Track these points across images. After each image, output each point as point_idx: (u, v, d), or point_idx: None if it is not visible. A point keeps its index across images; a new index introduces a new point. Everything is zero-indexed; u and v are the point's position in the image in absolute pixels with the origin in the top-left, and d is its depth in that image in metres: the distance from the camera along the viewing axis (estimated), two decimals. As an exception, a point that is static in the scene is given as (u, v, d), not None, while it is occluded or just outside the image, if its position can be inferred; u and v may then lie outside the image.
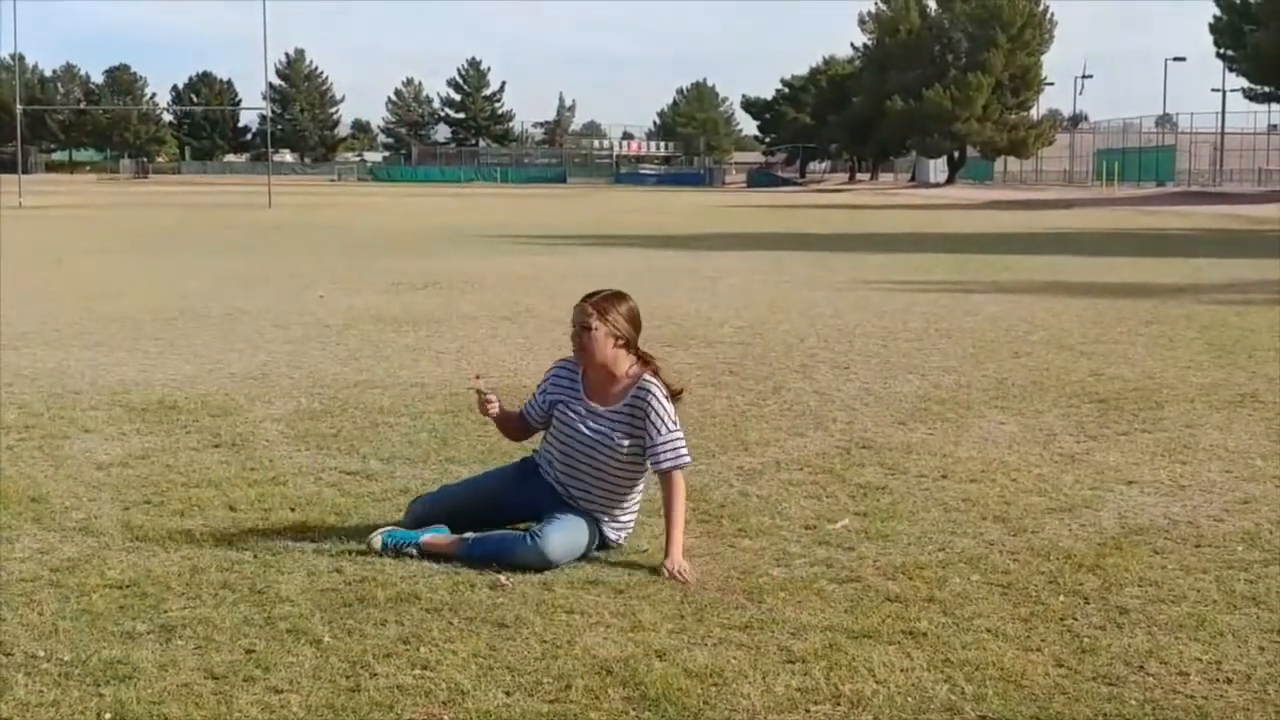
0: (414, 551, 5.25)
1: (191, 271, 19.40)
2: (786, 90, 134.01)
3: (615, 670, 4.16)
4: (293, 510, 6.05)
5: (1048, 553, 5.45)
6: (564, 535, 5.29)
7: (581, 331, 5.47)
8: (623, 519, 5.59)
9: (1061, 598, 4.90)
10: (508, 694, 4.01)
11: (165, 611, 4.69)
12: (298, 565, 5.21)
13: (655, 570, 5.21)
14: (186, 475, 6.72)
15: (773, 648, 4.38)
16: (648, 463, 5.48)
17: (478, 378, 5.73)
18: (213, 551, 5.39)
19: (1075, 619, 4.68)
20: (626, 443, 5.44)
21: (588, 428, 5.50)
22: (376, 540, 5.30)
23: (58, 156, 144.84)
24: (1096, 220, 40.80)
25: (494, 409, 5.64)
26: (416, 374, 9.97)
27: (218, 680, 4.09)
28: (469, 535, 5.35)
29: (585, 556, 5.35)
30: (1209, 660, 4.30)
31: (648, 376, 5.51)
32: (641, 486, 5.63)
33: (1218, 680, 4.15)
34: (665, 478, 5.39)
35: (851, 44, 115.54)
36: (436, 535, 5.34)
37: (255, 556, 5.32)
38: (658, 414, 5.42)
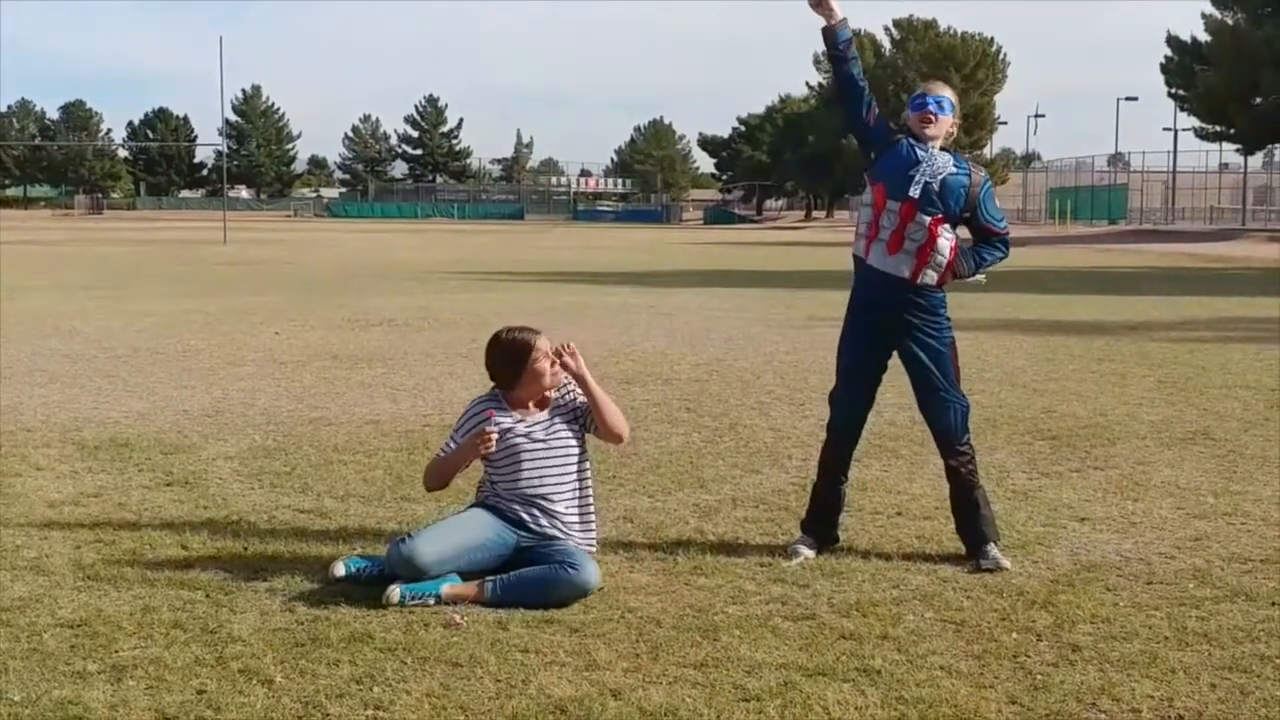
0: (432, 602, 5.18)
1: (145, 308, 19.29)
2: (743, 128, 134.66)
3: (570, 710, 4.15)
4: (245, 549, 6.01)
5: (1001, 590, 5.48)
6: (593, 562, 5.43)
7: (554, 363, 5.72)
8: (591, 523, 5.77)
9: (1014, 635, 4.92)
10: (462, 734, 3.99)
11: (116, 651, 4.65)
12: (250, 605, 5.18)
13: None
14: (139, 514, 6.68)
15: (728, 686, 4.38)
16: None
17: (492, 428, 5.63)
18: (165, 591, 5.35)
19: (1028, 656, 4.70)
20: (579, 430, 5.78)
21: (545, 437, 5.66)
22: (395, 595, 5.17)
23: (12, 192, 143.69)
24: (1049, 258, 41.14)
25: (488, 448, 5.59)
26: (371, 411, 9.94)
27: (169, 721, 4.06)
28: (489, 580, 5.29)
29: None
30: (1161, 697, 4.32)
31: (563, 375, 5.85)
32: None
33: (1169, 717, 4.17)
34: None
35: (807, 83, 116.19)
36: (455, 585, 5.28)
37: (208, 596, 5.29)
38: (574, 397, 5.87)
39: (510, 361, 5.71)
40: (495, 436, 5.54)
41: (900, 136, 6.02)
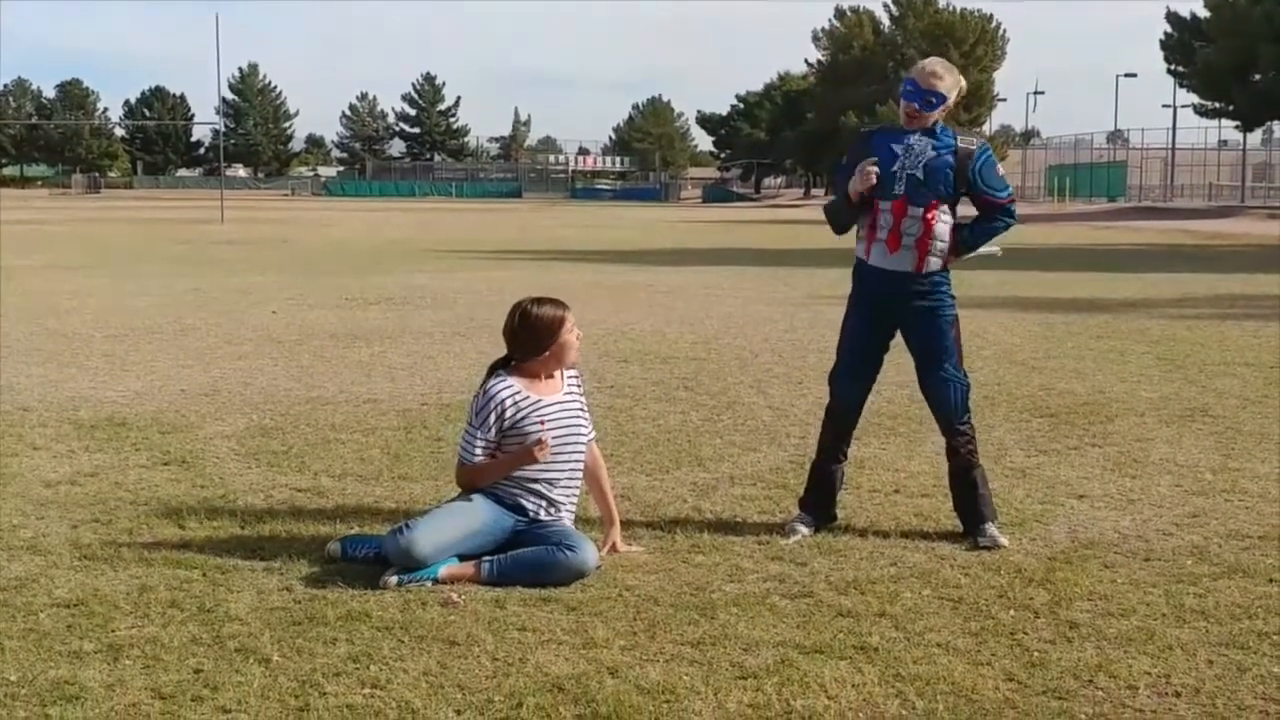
0: (430, 583, 5.18)
1: (143, 287, 19.25)
2: (741, 106, 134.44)
3: (567, 688, 4.15)
4: (243, 528, 6.01)
5: (998, 567, 5.48)
6: (589, 542, 5.41)
7: (579, 337, 5.75)
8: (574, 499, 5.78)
9: (1012, 612, 4.92)
10: (458, 712, 3.99)
11: (113, 631, 4.65)
12: (247, 584, 5.18)
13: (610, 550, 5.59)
14: (136, 493, 6.67)
15: (725, 664, 4.38)
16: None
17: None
18: (161, 570, 5.34)
19: (1025, 633, 4.70)
20: (587, 421, 5.77)
21: (566, 417, 5.64)
22: (392, 581, 5.16)
23: (9, 171, 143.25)
24: (1048, 235, 41.07)
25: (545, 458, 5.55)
26: (369, 390, 9.93)
27: (165, 700, 4.06)
28: (486, 560, 5.29)
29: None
30: (1158, 674, 4.32)
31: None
32: None
33: (1166, 694, 4.17)
34: (589, 446, 5.78)
35: (805, 60, 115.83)
36: (453, 566, 5.27)
37: (204, 575, 5.29)
38: (584, 391, 5.90)
39: (542, 335, 5.60)
40: (550, 445, 5.51)
41: (872, 136, 6.05)
